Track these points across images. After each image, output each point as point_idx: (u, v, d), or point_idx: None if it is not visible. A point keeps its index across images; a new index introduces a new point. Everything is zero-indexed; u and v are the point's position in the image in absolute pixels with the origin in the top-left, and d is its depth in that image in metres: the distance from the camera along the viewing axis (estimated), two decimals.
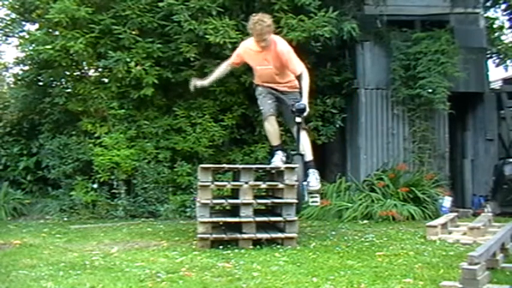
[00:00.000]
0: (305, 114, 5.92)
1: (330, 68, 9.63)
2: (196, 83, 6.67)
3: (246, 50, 6.20)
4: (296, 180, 5.87)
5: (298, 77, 6.02)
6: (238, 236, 5.72)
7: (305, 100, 5.86)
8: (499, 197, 8.84)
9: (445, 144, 9.62)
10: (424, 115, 9.42)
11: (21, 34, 9.53)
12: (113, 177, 8.69)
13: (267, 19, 5.92)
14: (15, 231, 7.13)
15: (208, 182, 5.77)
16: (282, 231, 5.86)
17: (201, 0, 8.14)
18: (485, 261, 4.11)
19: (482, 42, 10.11)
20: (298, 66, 6.01)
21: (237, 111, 9.05)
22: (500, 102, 10.13)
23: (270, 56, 6.02)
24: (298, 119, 5.96)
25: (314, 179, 6.13)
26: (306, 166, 6.14)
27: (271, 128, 6.28)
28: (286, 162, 6.21)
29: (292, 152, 6.28)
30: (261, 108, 6.30)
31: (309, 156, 6.19)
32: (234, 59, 6.47)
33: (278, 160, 6.27)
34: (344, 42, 8.89)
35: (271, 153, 6.60)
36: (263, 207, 6.76)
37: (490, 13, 11.56)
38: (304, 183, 6.06)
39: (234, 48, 8.16)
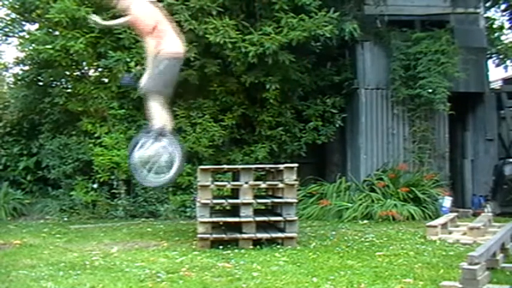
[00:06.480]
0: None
1: (330, 68, 9.62)
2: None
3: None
4: None
5: None
6: (238, 236, 5.72)
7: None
8: (499, 197, 8.84)
9: (445, 144, 9.61)
10: (424, 115, 9.42)
11: (21, 34, 9.53)
12: (112, 177, 8.69)
13: None
14: (15, 231, 7.14)
15: (208, 182, 5.78)
16: (282, 231, 5.86)
17: (201, 0, 8.14)
18: (485, 261, 4.11)
19: (482, 42, 10.10)
20: None
21: (237, 111, 9.04)
22: (500, 102, 10.12)
23: None
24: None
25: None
26: None
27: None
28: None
29: None
30: None
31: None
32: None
33: None
34: (344, 42, 8.88)
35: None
36: (263, 207, 6.76)
37: (490, 13, 11.56)
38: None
39: (234, 48, 8.22)
